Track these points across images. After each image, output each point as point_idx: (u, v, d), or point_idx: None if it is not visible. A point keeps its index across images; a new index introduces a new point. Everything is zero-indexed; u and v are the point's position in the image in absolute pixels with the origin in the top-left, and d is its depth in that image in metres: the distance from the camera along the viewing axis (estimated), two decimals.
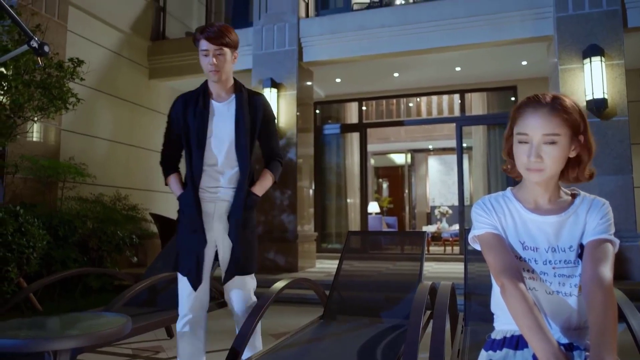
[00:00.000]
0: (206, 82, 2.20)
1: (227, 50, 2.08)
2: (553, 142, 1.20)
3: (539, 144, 1.20)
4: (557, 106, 1.21)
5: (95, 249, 5.41)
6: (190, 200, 2.13)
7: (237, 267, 2.11)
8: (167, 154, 2.31)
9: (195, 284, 2.10)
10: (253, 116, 2.16)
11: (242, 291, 2.15)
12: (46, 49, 1.84)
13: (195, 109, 2.11)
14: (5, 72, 4.09)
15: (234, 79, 2.21)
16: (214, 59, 2.06)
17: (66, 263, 4.73)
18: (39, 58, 1.90)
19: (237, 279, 2.13)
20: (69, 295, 4.97)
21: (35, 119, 4.62)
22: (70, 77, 4.58)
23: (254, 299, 2.20)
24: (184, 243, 2.16)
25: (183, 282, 2.15)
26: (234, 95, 2.18)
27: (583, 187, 1.37)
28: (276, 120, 2.35)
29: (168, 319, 2.80)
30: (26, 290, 3.05)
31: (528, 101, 1.25)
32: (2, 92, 4.16)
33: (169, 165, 2.32)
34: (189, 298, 2.14)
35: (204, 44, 2.06)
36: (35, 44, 1.81)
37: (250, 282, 2.19)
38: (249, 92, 2.21)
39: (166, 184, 2.32)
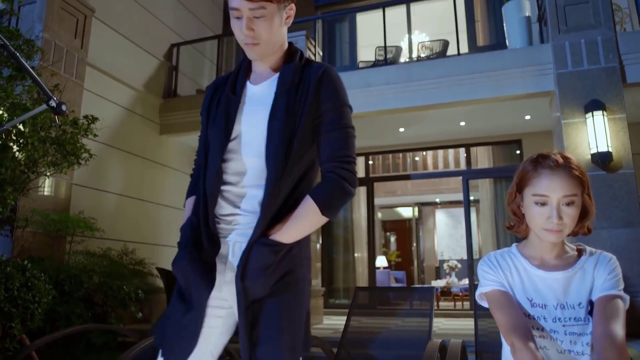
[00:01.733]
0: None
1: (271, 7, 1.28)
2: (572, 203, 1.22)
3: (558, 205, 1.22)
4: (573, 167, 1.24)
5: (100, 304, 5.35)
6: (184, 240, 1.38)
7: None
8: (197, 166, 1.59)
9: None
10: (302, 100, 1.33)
11: None
12: (64, 108, 1.91)
13: (221, 95, 1.43)
14: (22, 129, 4.23)
15: (290, 43, 1.45)
16: (249, 24, 1.29)
17: (70, 318, 4.67)
18: (56, 117, 1.98)
19: None
20: (72, 352, 4.87)
21: (48, 174, 4.72)
22: (84, 133, 4.71)
23: None
24: (172, 310, 1.36)
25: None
26: (276, 75, 1.39)
27: (594, 241, 1.37)
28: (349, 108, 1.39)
29: None
30: (29, 348, 3.01)
31: (542, 163, 1.26)
32: (18, 148, 4.28)
33: (195, 181, 1.61)
34: None
35: (233, 1, 1.29)
36: (53, 104, 1.89)
37: None
38: (306, 62, 1.42)
39: None
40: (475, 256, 8.26)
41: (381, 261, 11.10)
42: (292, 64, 1.38)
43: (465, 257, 8.75)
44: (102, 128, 5.36)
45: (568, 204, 1.22)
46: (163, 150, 7.87)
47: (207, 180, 1.40)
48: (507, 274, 1.33)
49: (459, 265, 10.39)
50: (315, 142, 1.36)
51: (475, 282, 1.69)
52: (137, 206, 7.26)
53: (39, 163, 4.45)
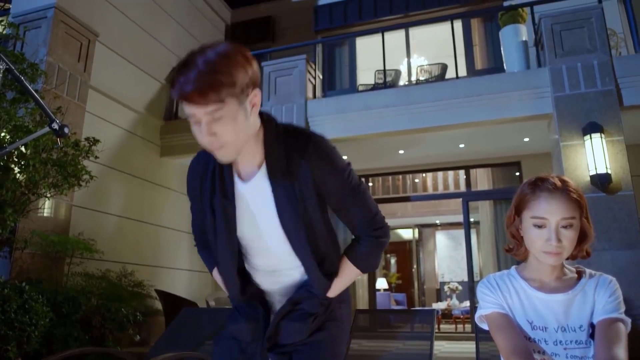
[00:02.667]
0: None
1: (229, 106, 1.12)
2: (570, 225, 1.23)
3: (557, 227, 1.23)
4: (571, 190, 1.25)
5: (98, 326, 5.29)
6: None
7: None
8: (201, 242, 1.54)
9: None
10: (301, 186, 1.27)
11: None
12: (66, 130, 1.93)
13: (212, 195, 1.32)
14: (24, 150, 4.26)
15: (264, 122, 1.29)
16: (209, 129, 1.14)
17: (67, 341, 4.61)
18: (58, 139, 2.00)
19: None
20: None
21: (49, 195, 4.73)
22: (85, 155, 4.74)
23: None
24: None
25: None
26: (264, 166, 1.28)
27: (596, 263, 1.38)
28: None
29: None
30: None
31: (541, 186, 1.27)
32: (19, 170, 4.30)
33: (208, 249, 1.49)
34: None
35: (186, 107, 1.14)
36: (56, 126, 1.91)
37: None
38: (285, 133, 1.29)
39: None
40: (476, 278, 8.21)
41: (381, 283, 11.02)
42: (273, 152, 1.26)
43: (466, 279, 8.69)
44: (103, 150, 5.39)
45: (566, 227, 1.23)
46: (163, 172, 7.90)
47: (230, 287, 1.40)
48: (507, 296, 1.33)
49: (460, 287, 10.32)
50: (335, 212, 1.38)
51: (476, 305, 1.69)
52: (137, 228, 7.25)
53: (39, 184, 4.47)
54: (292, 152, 1.26)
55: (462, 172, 8.80)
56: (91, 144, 4.82)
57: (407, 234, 14.54)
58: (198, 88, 1.08)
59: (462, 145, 7.46)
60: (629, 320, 1.24)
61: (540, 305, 1.29)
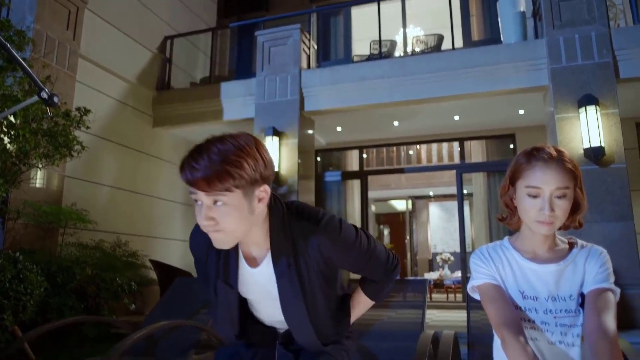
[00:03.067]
0: None
1: (233, 196, 1.12)
2: (564, 196, 1.23)
3: (550, 197, 1.23)
4: (566, 160, 1.25)
5: (93, 296, 5.33)
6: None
7: None
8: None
9: None
10: (311, 275, 1.29)
11: None
12: (55, 99, 1.89)
13: (216, 277, 1.34)
14: (14, 120, 4.19)
15: (271, 212, 1.28)
16: (208, 212, 1.13)
17: (63, 311, 4.65)
18: (48, 108, 1.96)
19: None
20: (64, 344, 4.86)
21: (40, 166, 4.68)
22: (76, 125, 4.68)
23: None
24: None
25: None
26: (269, 254, 1.29)
27: (587, 235, 1.39)
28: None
29: None
30: (21, 340, 2.99)
31: (536, 155, 1.27)
32: (9, 140, 4.24)
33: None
34: None
35: (191, 188, 1.14)
36: (45, 95, 1.86)
37: None
38: (294, 230, 1.28)
39: None
40: (468, 249, 8.30)
41: None
42: (278, 242, 1.26)
43: (458, 250, 8.79)
44: (94, 120, 5.32)
45: (560, 197, 1.23)
46: (157, 143, 7.83)
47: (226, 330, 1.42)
48: (499, 267, 1.34)
49: (452, 258, 10.46)
50: (354, 272, 1.46)
51: (468, 275, 1.71)
52: (131, 198, 7.23)
53: (30, 155, 4.42)
54: (300, 238, 1.27)
55: (456, 144, 8.79)
56: (82, 114, 4.76)
57: (400, 205, 14.62)
58: (205, 175, 1.08)
59: (457, 117, 7.44)
60: (618, 290, 1.26)
61: (531, 276, 1.31)
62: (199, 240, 1.37)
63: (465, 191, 8.22)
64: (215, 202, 1.12)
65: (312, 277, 1.30)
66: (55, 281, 4.75)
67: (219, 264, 1.32)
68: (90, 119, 4.93)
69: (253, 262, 1.32)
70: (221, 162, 1.09)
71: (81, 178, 6.32)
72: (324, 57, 7.58)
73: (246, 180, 1.12)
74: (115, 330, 5.30)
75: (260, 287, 1.33)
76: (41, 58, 5.38)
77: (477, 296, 1.37)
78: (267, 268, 1.30)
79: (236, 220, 1.14)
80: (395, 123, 7.69)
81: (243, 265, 1.32)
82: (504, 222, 1.40)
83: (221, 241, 1.18)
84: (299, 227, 1.28)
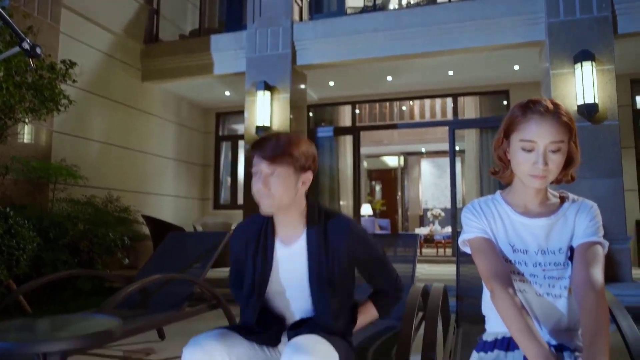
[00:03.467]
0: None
1: (286, 169, 1.46)
2: (558, 150, 1.22)
3: (545, 151, 1.22)
4: (562, 113, 1.23)
5: (86, 251, 5.37)
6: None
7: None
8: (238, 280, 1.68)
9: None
10: (335, 256, 1.53)
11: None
12: (38, 50, 1.82)
13: (255, 255, 1.57)
14: None
15: (309, 202, 1.59)
16: (264, 181, 1.45)
17: (56, 265, 4.69)
18: (31, 60, 1.89)
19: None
20: (59, 298, 4.93)
21: (27, 120, 4.59)
22: (62, 78, 4.55)
23: None
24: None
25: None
26: (304, 233, 1.55)
27: (576, 191, 1.39)
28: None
29: (160, 321, 2.79)
30: (16, 293, 3.02)
31: (532, 108, 1.24)
32: None
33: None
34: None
35: (255, 159, 1.48)
36: (27, 46, 1.80)
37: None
38: (327, 225, 1.55)
39: None
40: (459, 205, 8.39)
41: (366, 209, 11.23)
42: (314, 226, 1.55)
43: (449, 206, 8.89)
44: (81, 74, 5.19)
45: (555, 151, 1.22)
46: (146, 98, 7.69)
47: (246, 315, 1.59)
48: (491, 221, 1.34)
49: (443, 214, 10.58)
50: (366, 279, 1.69)
51: (458, 230, 1.72)
52: (121, 154, 7.16)
53: (15, 109, 4.32)
54: (331, 231, 1.55)
55: (449, 100, 8.71)
56: (68, 67, 4.62)
57: (392, 161, 14.65)
58: (273, 150, 1.46)
59: (451, 73, 7.34)
60: (606, 243, 1.27)
61: (522, 230, 1.31)
62: (241, 235, 1.64)
63: (457, 148, 8.22)
64: (272, 173, 1.45)
65: (337, 260, 1.53)
66: (48, 236, 4.76)
67: (258, 247, 1.58)
68: (77, 73, 4.80)
69: (287, 242, 1.57)
70: (286, 143, 1.48)
71: (70, 133, 6.22)
72: (317, 9, 7.36)
73: (298, 161, 1.48)
74: (109, 284, 5.38)
75: (291, 265, 1.56)
76: (21, 7, 5.17)
77: (467, 250, 1.38)
78: (299, 247, 1.55)
79: (283, 188, 1.46)
80: (389, 78, 7.58)
81: (278, 246, 1.58)
82: (497, 175, 1.40)
83: (267, 206, 1.48)
84: (331, 219, 1.57)
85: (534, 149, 1.22)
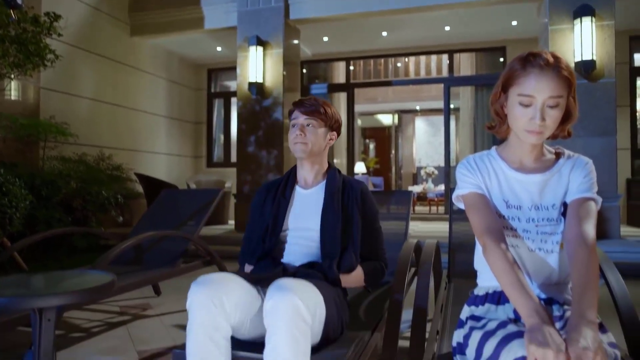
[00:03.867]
0: (295, 167, 1.91)
1: (319, 123, 1.80)
2: (557, 105, 1.19)
3: (543, 106, 1.19)
4: (562, 67, 1.19)
5: (80, 209, 5.36)
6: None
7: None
8: (247, 251, 1.84)
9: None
10: (348, 209, 1.78)
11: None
12: (19, 1, 1.75)
13: (275, 195, 1.83)
14: None
15: (330, 164, 1.92)
16: (302, 129, 1.78)
17: (50, 223, 4.69)
18: (12, 11, 1.82)
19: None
20: (54, 256, 4.96)
21: (12, 76, 4.47)
22: (47, 32, 4.40)
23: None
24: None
25: None
26: (324, 182, 1.85)
27: (569, 148, 1.38)
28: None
29: (155, 277, 2.82)
30: (10, 250, 3.03)
31: (532, 62, 1.20)
32: None
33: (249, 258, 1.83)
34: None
35: (294, 114, 1.83)
36: None
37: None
38: (344, 178, 1.87)
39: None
40: (452, 163, 8.40)
41: (360, 168, 11.25)
42: (335, 176, 1.85)
43: (442, 164, 8.91)
44: (66, 27, 5.01)
45: (553, 106, 1.19)
46: (136, 53, 7.50)
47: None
48: (485, 177, 1.33)
49: (436, 172, 10.61)
50: (364, 235, 1.82)
51: (452, 187, 1.72)
52: (112, 111, 7.05)
53: (0, 64, 4.20)
54: (349, 187, 1.84)
55: (445, 57, 8.57)
56: (52, 19, 4.46)
57: (386, 119, 14.56)
58: (311, 106, 1.82)
59: (447, 28, 7.18)
60: (600, 200, 1.27)
61: (516, 186, 1.31)
62: (262, 191, 1.91)
63: (452, 106, 8.15)
64: (307, 124, 1.79)
65: (350, 206, 1.78)
66: (40, 194, 4.74)
67: (278, 188, 1.85)
68: (62, 26, 4.63)
69: (307, 186, 1.86)
70: (321, 103, 1.83)
71: (58, 90, 6.09)
72: None
73: (329, 118, 1.83)
74: (104, 242, 5.41)
75: (306, 205, 1.81)
76: None
77: (461, 205, 1.37)
78: (317, 190, 1.83)
79: (315, 138, 1.80)
80: (384, 33, 7.42)
81: (297, 188, 1.86)
82: (493, 130, 1.38)
83: (302, 150, 1.79)
84: (348, 179, 1.88)
85: (532, 103, 1.20)
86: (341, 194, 1.80)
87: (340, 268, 1.68)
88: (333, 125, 1.86)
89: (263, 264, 1.70)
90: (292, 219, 1.78)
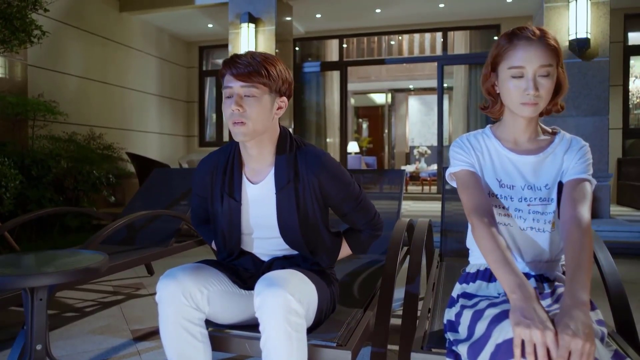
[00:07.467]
0: (237, 145, 1.51)
1: (262, 90, 1.36)
2: (548, 74, 1.20)
3: (534, 76, 1.20)
4: (549, 37, 1.21)
5: (71, 188, 5.33)
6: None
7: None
8: (202, 216, 1.69)
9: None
10: (306, 193, 1.45)
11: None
12: None
13: (222, 189, 1.49)
14: None
15: (282, 130, 1.50)
16: (239, 101, 1.35)
17: (41, 203, 4.66)
18: None
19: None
20: (46, 235, 4.94)
21: None
22: (32, 7, 4.29)
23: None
24: None
25: None
26: (272, 168, 1.46)
27: (561, 127, 1.38)
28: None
29: (147, 256, 2.82)
30: (1, 229, 3.00)
31: (519, 35, 1.22)
32: None
33: (206, 224, 1.71)
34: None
35: (226, 79, 1.38)
36: None
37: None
38: (297, 158, 1.46)
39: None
40: (445, 143, 8.39)
41: (353, 147, 11.24)
42: (283, 158, 1.45)
43: (435, 143, 8.90)
44: (54, 2, 4.90)
45: (544, 76, 1.20)
46: (125, 30, 7.36)
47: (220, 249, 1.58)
48: (479, 155, 1.33)
49: (429, 151, 10.63)
50: (339, 217, 1.58)
51: (444, 166, 1.72)
52: (102, 89, 6.95)
53: None
54: (302, 166, 1.45)
55: (439, 35, 8.49)
56: None
57: (380, 98, 14.49)
58: (247, 68, 1.35)
59: (441, 5, 7.10)
60: (594, 181, 1.28)
61: (510, 166, 1.31)
62: (205, 169, 1.55)
63: (445, 85, 8.11)
64: (246, 95, 1.36)
65: (307, 197, 1.45)
66: (30, 174, 4.69)
67: (224, 182, 1.49)
68: (48, 1, 4.52)
69: (255, 179, 1.49)
70: (261, 61, 1.36)
71: (46, 67, 5.98)
72: None
73: (274, 81, 1.38)
74: (97, 221, 5.39)
75: (259, 205, 1.49)
76: None
77: (454, 183, 1.38)
78: (267, 184, 1.47)
79: (258, 111, 1.36)
80: (378, 10, 7.32)
81: (245, 183, 1.49)
82: (486, 110, 1.38)
83: (242, 134, 1.37)
84: (303, 153, 1.46)
85: (523, 75, 1.21)
86: (295, 181, 1.44)
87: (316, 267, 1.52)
88: (281, 89, 1.41)
89: (237, 262, 1.56)
90: (251, 222, 1.51)
